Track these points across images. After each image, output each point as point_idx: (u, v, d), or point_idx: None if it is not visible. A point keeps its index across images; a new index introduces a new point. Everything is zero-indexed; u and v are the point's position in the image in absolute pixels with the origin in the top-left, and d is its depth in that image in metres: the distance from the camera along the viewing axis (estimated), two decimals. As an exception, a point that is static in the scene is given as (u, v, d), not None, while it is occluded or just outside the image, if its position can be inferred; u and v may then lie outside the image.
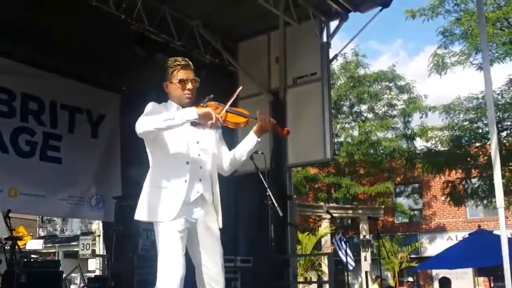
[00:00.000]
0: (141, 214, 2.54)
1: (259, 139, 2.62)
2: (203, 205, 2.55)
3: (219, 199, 2.63)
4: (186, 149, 2.52)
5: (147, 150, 2.62)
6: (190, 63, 2.66)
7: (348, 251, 9.27)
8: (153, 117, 2.44)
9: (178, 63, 2.61)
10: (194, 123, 2.54)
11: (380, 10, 6.45)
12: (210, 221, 2.57)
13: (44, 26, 6.68)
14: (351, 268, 12.22)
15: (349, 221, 19.30)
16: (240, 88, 2.72)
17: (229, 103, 2.57)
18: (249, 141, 2.64)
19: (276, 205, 2.74)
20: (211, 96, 2.68)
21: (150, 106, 2.60)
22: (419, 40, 42.95)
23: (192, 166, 2.51)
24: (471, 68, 12.44)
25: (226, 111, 2.54)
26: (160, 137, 2.51)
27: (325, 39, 6.84)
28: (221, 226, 2.63)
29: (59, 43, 7.05)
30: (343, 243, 9.59)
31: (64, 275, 7.86)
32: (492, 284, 12.45)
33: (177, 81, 2.58)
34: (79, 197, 7.91)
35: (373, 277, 14.52)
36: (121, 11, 6.04)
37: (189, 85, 2.59)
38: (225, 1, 6.42)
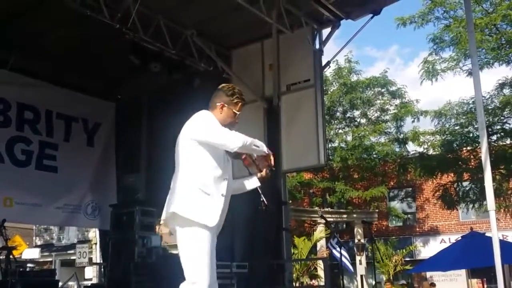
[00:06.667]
0: (182, 209, 2.62)
1: (260, 185, 2.91)
2: (222, 218, 2.75)
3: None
4: (225, 167, 2.76)
5: (190, 149, 2.69)
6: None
7: (345, 255, 9.29)
8: (243, 136, 2.65)
9: (244, 98, 2.86)
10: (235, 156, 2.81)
11: (371, 18, 6.58)
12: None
13: (39, 36, 6.73)
14: (351, 272, 12.19)
15: (344, 225, 19.39)
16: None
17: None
18: (251, 184, 2.92)
19: (264, 199, 2.91)
20: None
21: (212, 119, 2.74)
22: (415, 45, 43.25)
23: (228, 183, 2.76)
24: (461, 74, 12.66)
25: (253, 160, 2.83)
26: (211, 147, 2.68)
27: (317, 46, 6.94)
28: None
29: (54, 53, 7.09)
30: (338, 247, 9.63)
31: (60, 283, 7.85)
32: (485, 286, 12.54)
33: (234, 112, 2.81)
34: (75, 206, 7.92)
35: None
36: (115, 21, 6.10)
37: (237, 120, 2.86)
38: (219, 9, 6.49)
